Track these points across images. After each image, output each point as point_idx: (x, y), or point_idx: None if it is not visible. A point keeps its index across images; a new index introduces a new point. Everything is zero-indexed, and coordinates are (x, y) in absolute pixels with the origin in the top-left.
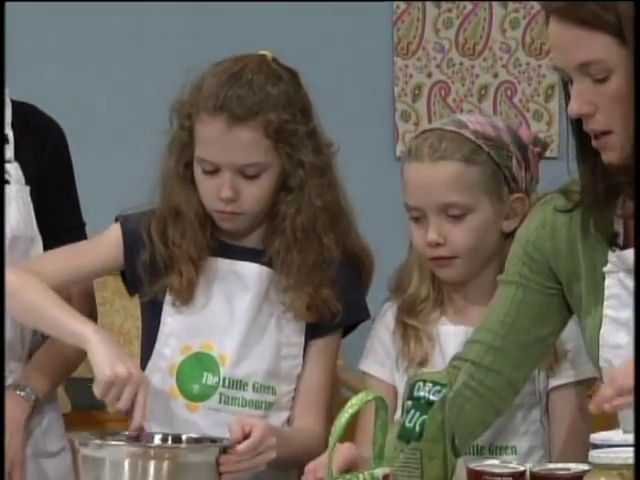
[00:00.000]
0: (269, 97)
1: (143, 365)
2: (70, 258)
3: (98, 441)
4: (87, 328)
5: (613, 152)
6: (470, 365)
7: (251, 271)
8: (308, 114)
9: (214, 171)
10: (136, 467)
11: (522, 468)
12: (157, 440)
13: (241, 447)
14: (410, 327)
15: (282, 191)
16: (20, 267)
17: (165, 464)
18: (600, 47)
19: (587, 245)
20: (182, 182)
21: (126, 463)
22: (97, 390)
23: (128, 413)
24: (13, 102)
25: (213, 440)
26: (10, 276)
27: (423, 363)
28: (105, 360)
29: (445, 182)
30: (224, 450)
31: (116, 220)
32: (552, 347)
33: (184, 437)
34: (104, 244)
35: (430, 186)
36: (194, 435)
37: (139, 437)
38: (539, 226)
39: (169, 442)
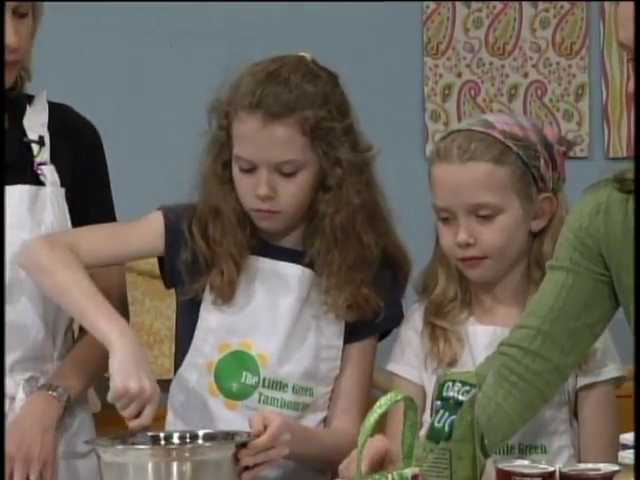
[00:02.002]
0: (305, 94)
1: (178, 362)
2: (108, 239)
3: (120, 446)
4: (113, 330)
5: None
6: (517, 350)
7: (294, 272)
8: (345, 112)
9: (251, 169)
10: (159, 469)
11: (551, 468)
12: (175, 439)
13: (259, 442)
14: (438, 328)
15: (320, 190)
16: (56, 240)
17: (187, 464)
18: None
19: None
20: (220, 182)
21: (149, 466)
22: (109, 396)
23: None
24: (49, 104)
25: (230, 434)
26: (45, 249)
27: (452, 363)
28: (119, 371)
29: (475, 183)
30: (242, 444)
31: (159, 209)
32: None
33: (200, 433)
34: (144, 230)
35: (460, 187)
36: (210, 431)
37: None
38: (593, 212)
39: (187, 440)
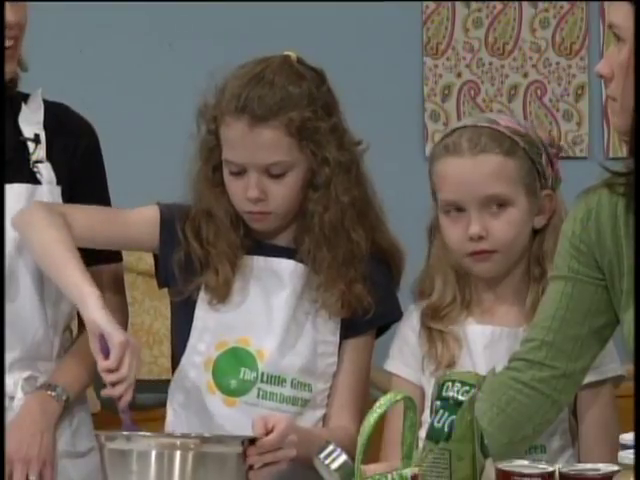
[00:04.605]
0: (290, 96)
1: (175, 362)
2: (103, 220)
3: (126, 433)
4: (91, 290)
5: (615, 118)
6: (523, 363)
7: (287, 267)
8: (331, 111)
9: (241, 172)
10: (162, 457)
11: (551, 468)
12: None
13: (267, 439)
14: (435, 330)
15: (309, 189)
16: (52, 208)
17: (190, 455)
18: (620, 13)
19: (631, 238)
20: (211, 185)
21: (153, 454)
22: (113, 355)
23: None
24: (45, 102)
25: (235, 437)
26: (39, 211)
27: (451, 365)
28: (112, 324)
29: (487, 175)
30: (251, 442)
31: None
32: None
33: (207, 435)
34: (139, 220)
35: (472, 179)
36: (216, 434)
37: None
38: (584, 218)
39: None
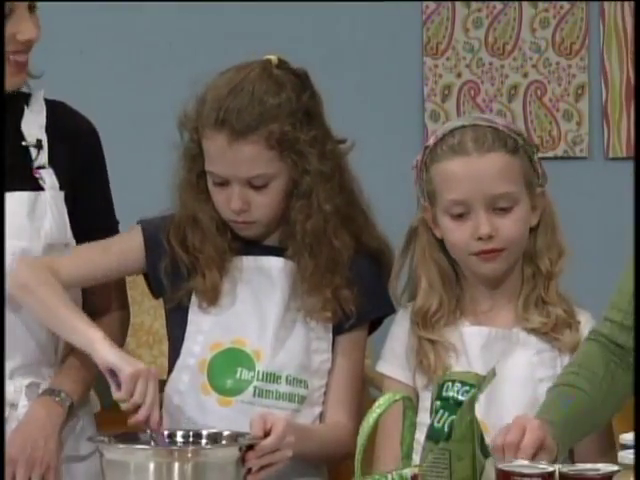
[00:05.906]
0: (269, 109)
1: (171, 365)
2: (90, 258)
3: (122, 445)
4: (97, 334)
5: None
6: (607, 341)
7: (276, 265)
8: (312, 119)
9: (223, 183)
10: (161, 470)
11: (551, 469)
12: (179, 438)
13: (266, 443)
14: (426, 340)
15: (292, 197)
16: (37, 262)
17: (189, 465)
18: None
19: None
20: (195, 192)
21: (151, 466)
22: (124, 387)
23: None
24: (46, 102)
25: (232, 436)
26: (26, 271)
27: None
28: (121, 359)
29: (495, 173)
30: (249, 447)
31: (138, 223)
32: None
33: (204, 433)
34: (125, 247)
35: (481, 178)
36: (214, 430)
37: (156, 434)
38: None
39: (190, 440)
